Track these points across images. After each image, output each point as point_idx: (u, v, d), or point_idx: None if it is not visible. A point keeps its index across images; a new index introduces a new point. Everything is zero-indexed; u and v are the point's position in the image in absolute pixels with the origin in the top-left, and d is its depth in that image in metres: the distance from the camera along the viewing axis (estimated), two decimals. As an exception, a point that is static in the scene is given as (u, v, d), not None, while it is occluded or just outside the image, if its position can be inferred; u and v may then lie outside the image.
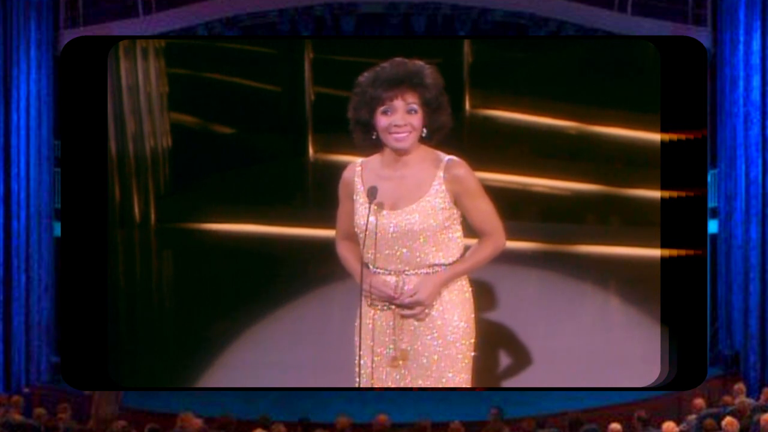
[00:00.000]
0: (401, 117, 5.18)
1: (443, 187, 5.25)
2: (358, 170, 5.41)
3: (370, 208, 5.21)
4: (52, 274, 11.45)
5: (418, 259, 5.29)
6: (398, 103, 5.17)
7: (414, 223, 5.24)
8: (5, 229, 11.21)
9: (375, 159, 5.41)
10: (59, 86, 11.07)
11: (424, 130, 5.23)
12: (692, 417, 7.91)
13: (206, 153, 11.44)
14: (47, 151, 11.39)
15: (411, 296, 5.31)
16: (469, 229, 5.43)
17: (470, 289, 5.50)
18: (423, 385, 5.43)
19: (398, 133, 5.19)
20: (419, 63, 5.23)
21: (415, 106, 5.18)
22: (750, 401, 8.06)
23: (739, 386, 8.56)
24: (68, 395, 9.97)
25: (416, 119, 5.20)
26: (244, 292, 9.81)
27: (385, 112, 5.19)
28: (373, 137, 5.25)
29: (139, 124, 11.10)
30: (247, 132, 11.90)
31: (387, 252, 5.30)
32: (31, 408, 9.09)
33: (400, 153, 5.27)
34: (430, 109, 5.20)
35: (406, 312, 5.36)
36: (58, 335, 11.27)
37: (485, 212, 5.37)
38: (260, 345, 9.26)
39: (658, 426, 7.34)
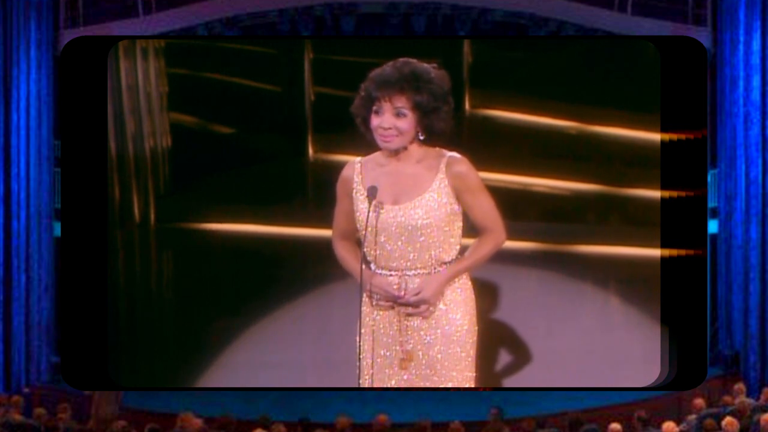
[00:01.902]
0: (387, 120, 5.18)
1: (445, 183, 5.26)
2: (358, 168, 5.42)
3: (370, 207, 5.22)
4: (52, 274, 11.45)
5: (421, 256, 5.30)
6: (386, 106, 5.17)
7: (417, 218, 5.25)
8: (5, 229, 11.21)
9: (375, 156, 5.42)
10: (59, 86, 11.07)
11: (420, 133, 5.23)
12: (692, 417, 7.91)
13: (206, 153, 11.42)
14: (47, 151, 11.40)
15: (416, 295, 5.32)
16: (468, 228, 5.44)
17: (472, 287, 5.50)
18: (428, 385, 5.44)
19: (384, 136, 5.20)
20: (423, 66, 5.21)
21: (405, 110, 5.17)
22: (750, 401, 8.06)
23: (739, 386, 8.56)
24: (68, 395, 9.97)
25: (404, 123, 5.19)
26: (244, 292, 9.80)
27: (376, 113, 5.20)
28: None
29: (138, 124, 11.09)
30: (247, 132, 11.88)
31: (389, 248, 5.30)
32: (31, 408, 9.10)
33: (397, 150, 5.28)
34: (422, 113, 5.17)
35: (411, 311, 5.36)
36: (58, 335, 11.27)
37: (486, 209, 5.39)
38: (260, 345, 9.26)
39: (658, 426, 7.34)
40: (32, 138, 11.27)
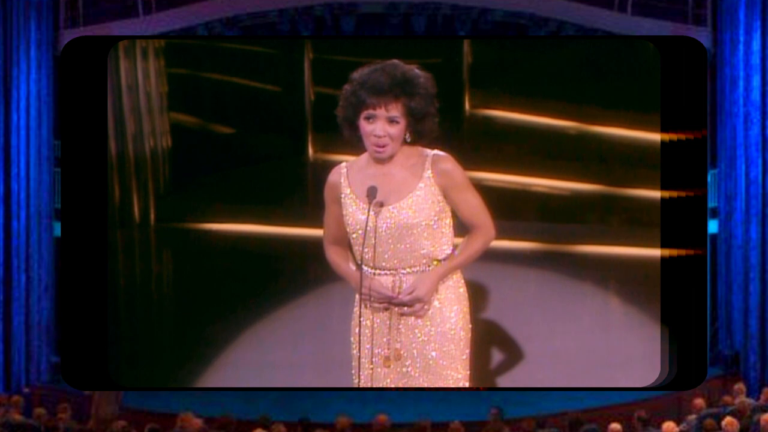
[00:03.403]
0: (381, 128, 5.16)
1: (432, 181, 5.26)
2: (344, 172, 5.41)
3: (370, 206, 5.22)
4: (52, 274, 11.46)
5: (413, 254, 5.31)
6: (380, 112, 5.14)
7: (407, 217, 5.25)
8: (5, 229, 11.22)
9: (361, 159, 5.41)
10: (59, 86, 11.08)
11: (408, 136, 5.22)
12: (692, 417, 7.91)
13: (206, 153, 11.43)
14: (47, 151, 11.41)
15: (410, 294, 5.32)
16: (459, 228, 5.45)
17: (465, 285, 5.51)
18: (423, 384, 5.44)
19: (377, 144, 5.18)
20: (413, 70, 5.18)
21: (398, 117, 5.14)
22: (750, 401, 8.06)
23: (739, 386, 8.57)
24: (68, 395, 9.98)
25: (397, 129, 5.17)
26: (244, 292, 9.80)
27: (367, 119, 5.17)
28: (358, 135, 5.25)
29: (138, 124, 11.09)
30: (247, 132, 11.89)
31: (381, 249, 5.30)
32: (31, 408, 9.10)
33: None
34: (414, 118, 5.16)
35: (406, 310, 5.37)
36: (58, 335, 11.28)
37: (474, 205, 5.39)
38: (260, 345, 9.26)
39: (658, 426, 7.35)
40: (32, 138, 11.28)
